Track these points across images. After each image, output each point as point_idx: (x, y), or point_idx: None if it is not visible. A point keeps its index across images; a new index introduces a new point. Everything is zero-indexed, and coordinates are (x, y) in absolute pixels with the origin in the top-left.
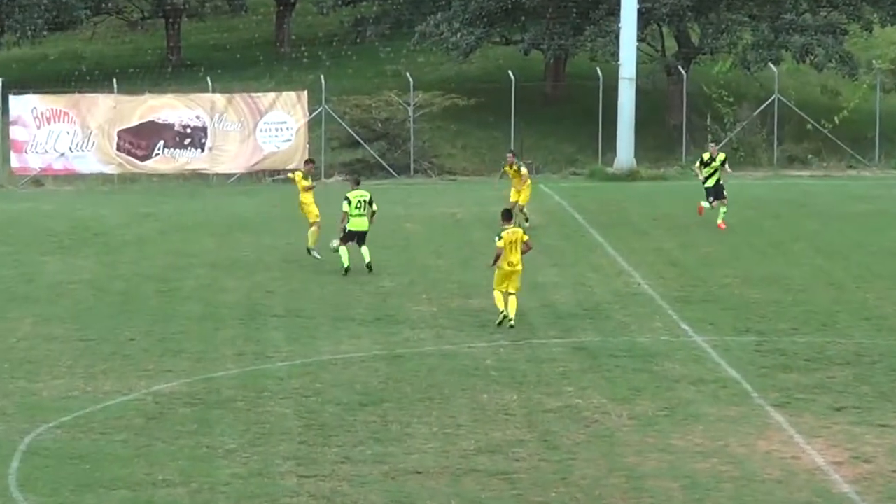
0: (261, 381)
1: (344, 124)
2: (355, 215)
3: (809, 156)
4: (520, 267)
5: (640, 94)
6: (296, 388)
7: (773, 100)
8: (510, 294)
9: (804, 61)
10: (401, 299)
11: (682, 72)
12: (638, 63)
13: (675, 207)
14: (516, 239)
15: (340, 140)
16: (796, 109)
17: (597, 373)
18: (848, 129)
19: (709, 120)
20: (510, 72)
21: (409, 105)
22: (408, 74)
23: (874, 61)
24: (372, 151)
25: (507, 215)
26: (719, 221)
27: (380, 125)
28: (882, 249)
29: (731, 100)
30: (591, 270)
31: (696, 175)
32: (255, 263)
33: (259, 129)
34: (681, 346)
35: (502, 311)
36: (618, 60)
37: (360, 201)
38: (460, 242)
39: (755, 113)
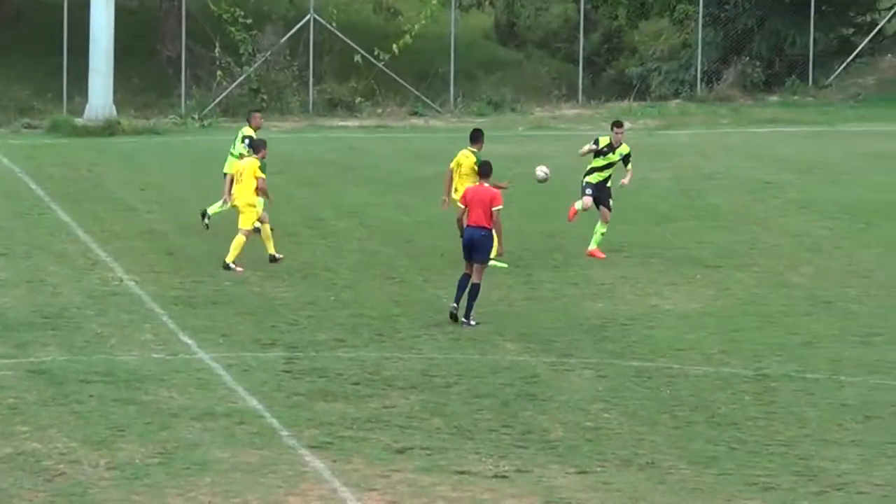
0: None
1: None
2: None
3: (358, 99)
4: None
5: (122, 14)
6: None
7: (308, 21)
8: None
9: None
10: None
11: None
12: None
13: (170, 173)
14: None
15: None
16: (339, 34)
17: (62, 405)
18: (411, 63)
19: (217, 50)
20: None
21: None
22: None
23: None
24: None
25: None
26: (593, 247)
27: None
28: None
29: (249, 21)
30: (53, 262)
31: (582, 153)
32: None
33: None
34: (181, 365)
35: None
36: None
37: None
38: None
39: (283, 40)
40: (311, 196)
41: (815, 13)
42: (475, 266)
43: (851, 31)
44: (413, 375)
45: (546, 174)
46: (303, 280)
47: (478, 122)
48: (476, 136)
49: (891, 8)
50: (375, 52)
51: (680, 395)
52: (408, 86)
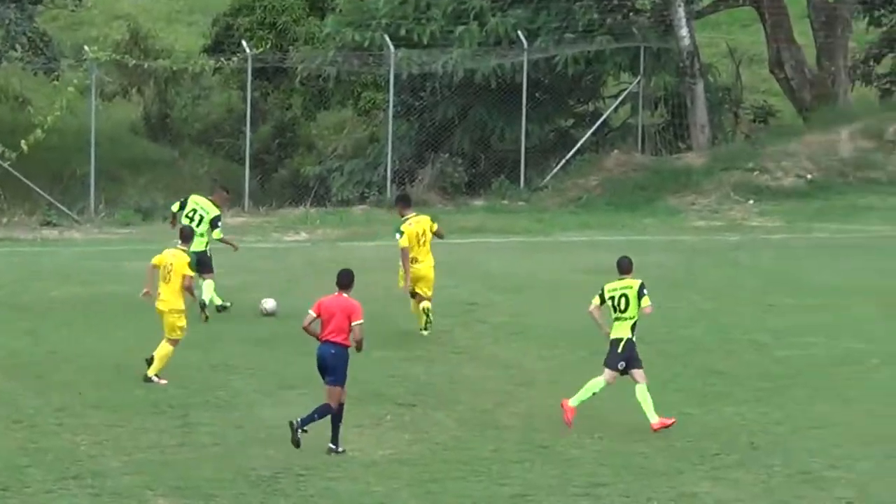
0: None
1: None
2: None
3: None
4: None
5: None
6: None
7: None
8: None
9: None
10: None
11: None
12: None
13: None
14: None
15: None
16: None
17: None
18: (44, 163)
19: None
20: None
21: None
22: None
23: (86, 48)
24: None
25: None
26: (655, 421)
27: None
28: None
29: None
30: None
31: (599, 326)
32: None
33: None
34: None
35: None
36: None
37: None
38: None
39: None
40: None
41: (527, 102)
42: (328, 388)
43: (571, 122)
44: None
45: (274, 308)
46: None
47: (123, 233)
48: (404, 200)
49: (617, 95)
50: (1, 151)
51: None
52: (39, 190)
